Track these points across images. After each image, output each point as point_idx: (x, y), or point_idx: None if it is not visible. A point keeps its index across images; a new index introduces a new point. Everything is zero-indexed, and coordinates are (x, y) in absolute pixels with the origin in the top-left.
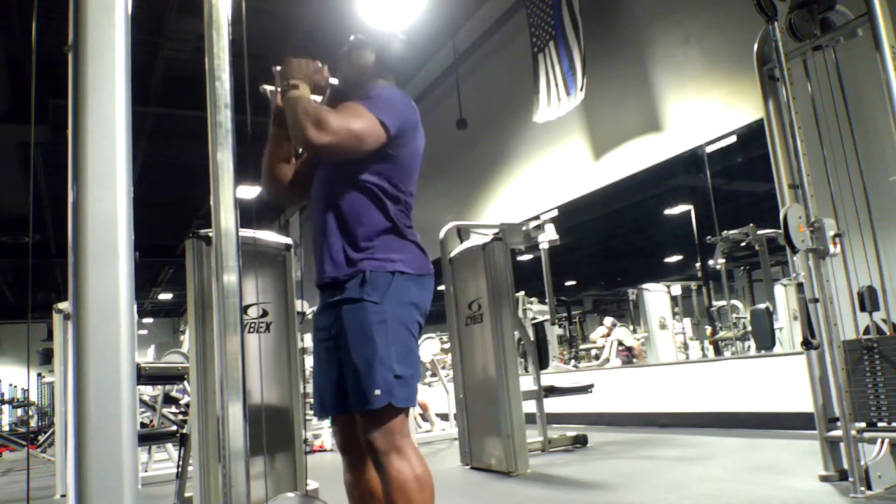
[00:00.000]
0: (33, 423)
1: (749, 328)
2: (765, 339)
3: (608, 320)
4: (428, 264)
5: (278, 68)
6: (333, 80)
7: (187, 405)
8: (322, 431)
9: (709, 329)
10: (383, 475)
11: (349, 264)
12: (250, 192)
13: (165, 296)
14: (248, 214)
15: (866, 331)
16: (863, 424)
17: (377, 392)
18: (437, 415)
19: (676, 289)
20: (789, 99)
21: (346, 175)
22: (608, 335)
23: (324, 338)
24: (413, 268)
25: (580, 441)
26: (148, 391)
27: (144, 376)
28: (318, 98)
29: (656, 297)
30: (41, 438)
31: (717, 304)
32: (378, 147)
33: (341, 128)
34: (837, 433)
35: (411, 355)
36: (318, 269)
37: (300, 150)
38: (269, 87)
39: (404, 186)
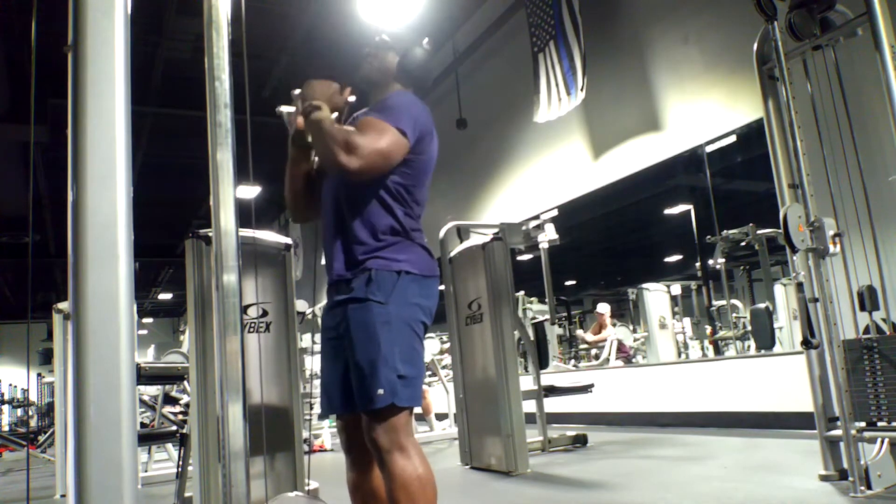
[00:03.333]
0: (33, 423)
1: (749, 328)
2: (765, 338)
3: (603, 307)
4: (434, 266)
5: (297, 91)
6: (351, 99)
7: (187, 405)
8: (322, 431)
9: (709, 329)
10: (386, 474)
11: (357, 263)
12: (250, 191)
13: (165, 296)
14: (248, 214)
15: (866, 330)
16: (863, 424)
17: (380, 391)
18: (439, 414)
19: (676, 288)
20: (789, 98)
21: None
22: (601, 331)
23: (331, 336)
24: (419, 268)
25: (580, 441)
26: (148, 391)
27: (144, 376)
28: (335, 115)
29: (656, 296)
30: (41, 438)
31: (716, 303)
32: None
33: (370, 149)
34: (837, 433)
35: (415, 355)
36: (327, 267)
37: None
38: (286, 109)
39: (416, 191)
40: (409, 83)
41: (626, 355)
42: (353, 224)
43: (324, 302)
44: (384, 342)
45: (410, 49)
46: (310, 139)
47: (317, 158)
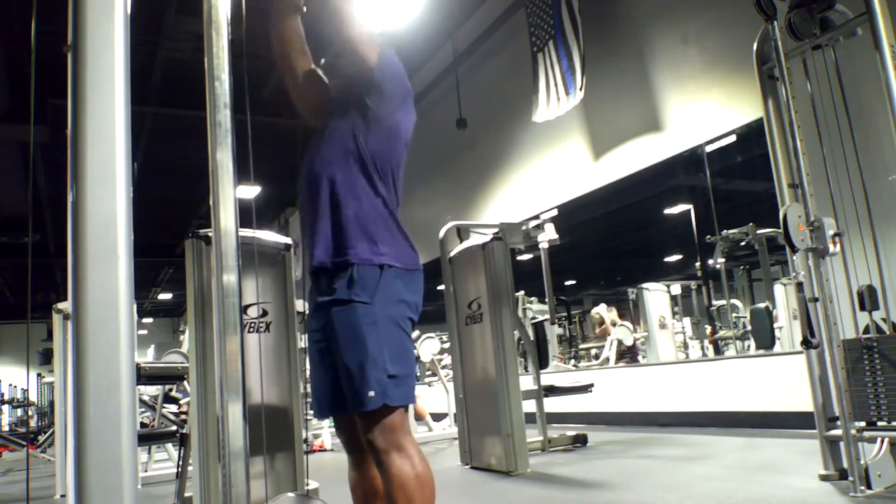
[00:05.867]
0: (33, 423)
1: (749, 327)
2: (765, 338)
3: (602, 309)
4: (417, 260)
5: None
6: None
7: (187, 405)
8: (322, 431)
9: (708, 328)
10: (384, 473)
11: (337, 251)
12: (250, 191)
13: (165, 296)
14: (248, 214)
15: (866, 330)
16: (862, 424)
17: (371, 393)
18: (439, 414)
19: (676, 288)
20: (789, 98)
21: (339, 151)
22: (605, 335)
23: (316, 339)
24: (402, 262)
25: (580, 440)
26: (148, 391)
27: (144, 376)
28: None
29: (656, 296)
30: (41, 438)
31: (716, 303)
32: (364, 77)
33: (357, 15)
34: (837, 432)
35: (405, 353)
36: (307, 252)
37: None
38: None
39: (394, 167)
40: None
41: (632, 355)
42: (333, 202)
43: None
44: (371, 343)
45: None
46: None
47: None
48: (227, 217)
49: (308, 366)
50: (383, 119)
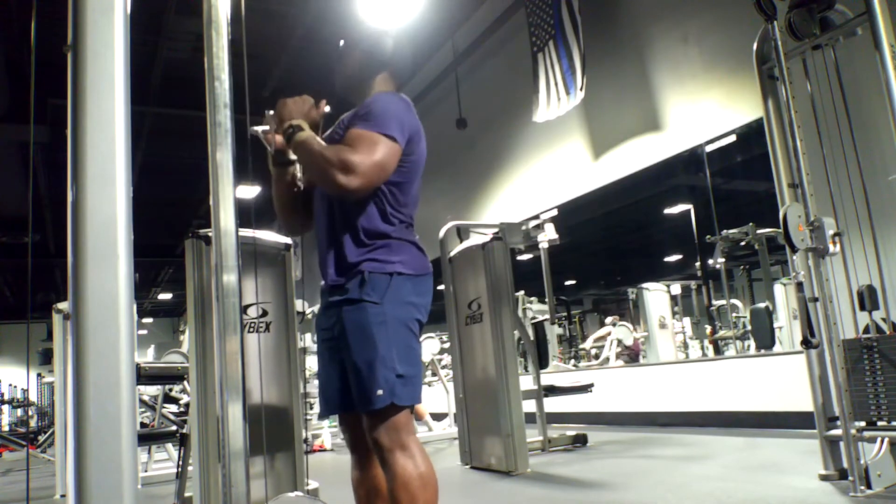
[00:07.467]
0: (33, 423)
1: (749, 327)
2: (765, 338)
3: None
4: (427, 264)
5: (271, 112)
6: (326, 109)
7: (187, 405)
8: (322, 431)
9: (708, 328)
10: (388, 472)
11: (349, 268)
12: (250, 191)
13: (165, 296)
14: (248, 214)
15: (866, 330)
16: (862, 423)
17: (379, 392)
18: (439, 414)
19: (676, 288)
20: (789, 98)
21: None
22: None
23: (326, 338)
24: (411, 268)
25: (580, 440)
26: (148, 391)
27: (144, 376)
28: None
29: (656, 296)
30: (41, 438)
31: (716, 303)
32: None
33: (367, 165)
34: (837, 432)
35: (413, 354)
36: (321, 272)
37: (304, 181)
38: (259, 129)
39: (408, 189)
40: (387, 73)
41: (633, 352)
42: (345, 228)
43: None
44: (381, 342)
45: (377, 42)
46: (292, 157)
47: (301, 175)
48: (227, 217)
49: (308, 366)
50: (407, 161)
